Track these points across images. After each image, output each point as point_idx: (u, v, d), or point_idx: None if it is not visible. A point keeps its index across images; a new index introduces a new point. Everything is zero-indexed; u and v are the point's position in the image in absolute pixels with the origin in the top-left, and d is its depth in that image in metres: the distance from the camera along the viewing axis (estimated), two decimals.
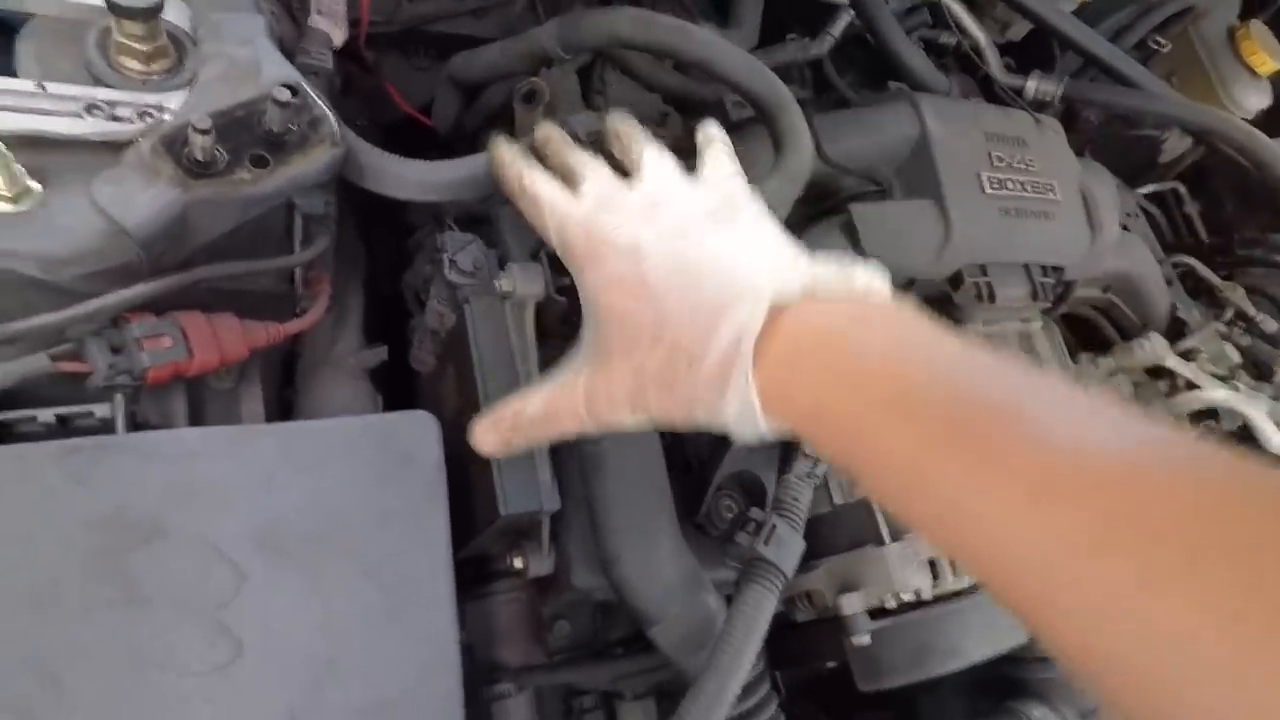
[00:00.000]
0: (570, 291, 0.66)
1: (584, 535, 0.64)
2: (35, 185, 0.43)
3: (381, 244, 0.89)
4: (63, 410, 0.43)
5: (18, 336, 0.41)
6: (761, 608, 0.57)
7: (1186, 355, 1.08)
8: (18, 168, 0.41)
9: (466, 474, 0.66)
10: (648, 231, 0.43)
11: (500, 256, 0.72)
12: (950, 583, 0.69)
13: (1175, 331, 1.15)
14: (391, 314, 0.84)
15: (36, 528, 0.39)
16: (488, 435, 0.50)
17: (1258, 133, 1.08)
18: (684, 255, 0.42)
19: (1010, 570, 0.32)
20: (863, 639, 0.68)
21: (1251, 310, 1.18)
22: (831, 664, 0.78)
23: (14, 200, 0.41)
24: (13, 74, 0.47)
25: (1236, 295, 1.19)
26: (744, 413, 0.40)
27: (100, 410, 0.44)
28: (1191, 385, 1.04)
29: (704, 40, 0.72)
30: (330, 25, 0.70)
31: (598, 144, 0.70)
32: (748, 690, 0.63)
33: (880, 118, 0.89)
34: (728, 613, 0.57)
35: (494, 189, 0.71)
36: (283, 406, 0.64)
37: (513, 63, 0.79)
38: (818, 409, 0.38)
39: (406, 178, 0.61)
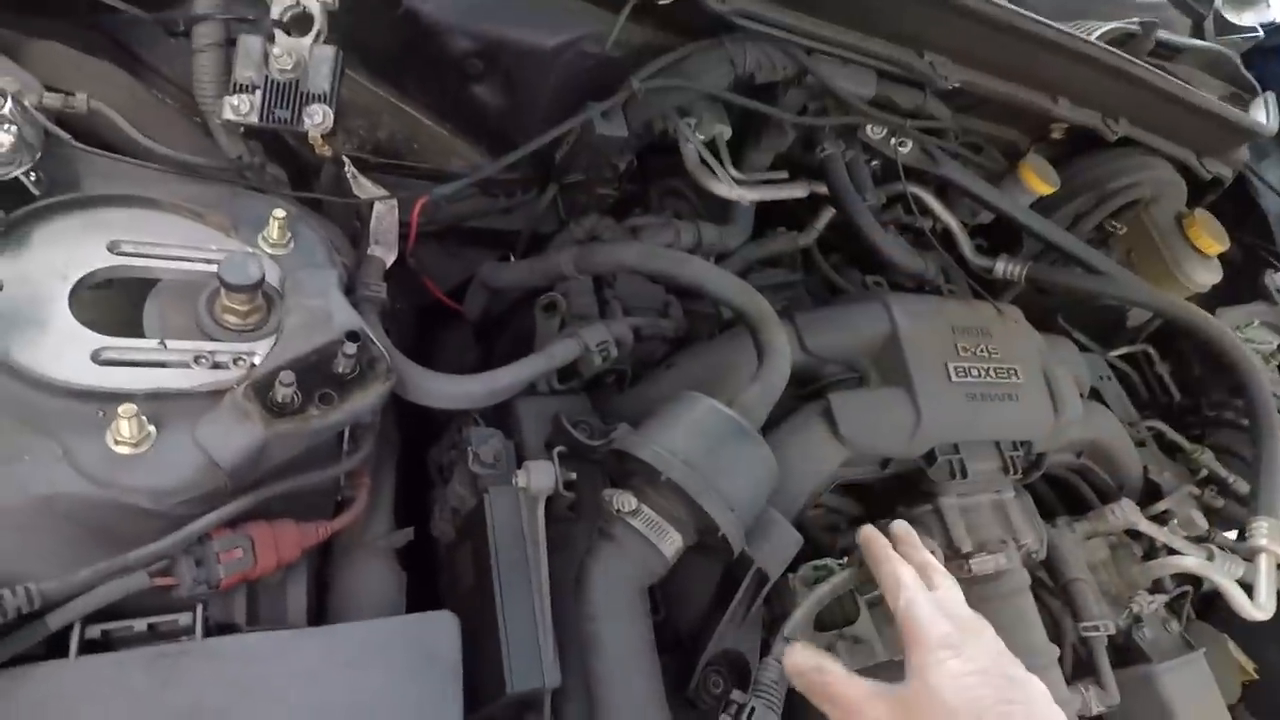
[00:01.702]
0: (575, 485, 0.76)
1: (582, 709, 0.70)
2: (153, 431, 0.54)
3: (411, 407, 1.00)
4: (153, 620, 0.53)
5: (137, 566, 0.51)
6: None
7: (1160, 518, 1.15)
8: (145, 421, 0.53)
9: (478, 644, 0.74)
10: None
11: (518, 445, 0.82)
12: None
13: (1151, 492, 1.22)
14: (413, 476, 0.94)
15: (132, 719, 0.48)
16: (795, 659, 0.67)
17: (1203, 314, 1.19)
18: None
19: None
20: None
21: (1223, 472, 1.25)
22: None
23: (136, 445, 0.52)
24: (140, 334, 0.60)
25: (1205, 458, 1.27)
26: None
27: (184, 619, 0.53)
28: (1169, 548, 1.10)
29: (698, 268, 0.85)
30: (384, 252, 0.84)
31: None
32: None
33: (855, 316, 1.01)
34: None
35: (513, 394, 0.82)
36: (320, 583, 0.73)
37: (536, 278, 0.93)
38: None
39: (442, 390, 0.72)
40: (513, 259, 1.08)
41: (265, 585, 0.62)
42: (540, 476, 0.73)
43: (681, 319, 1.05)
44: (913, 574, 0.68)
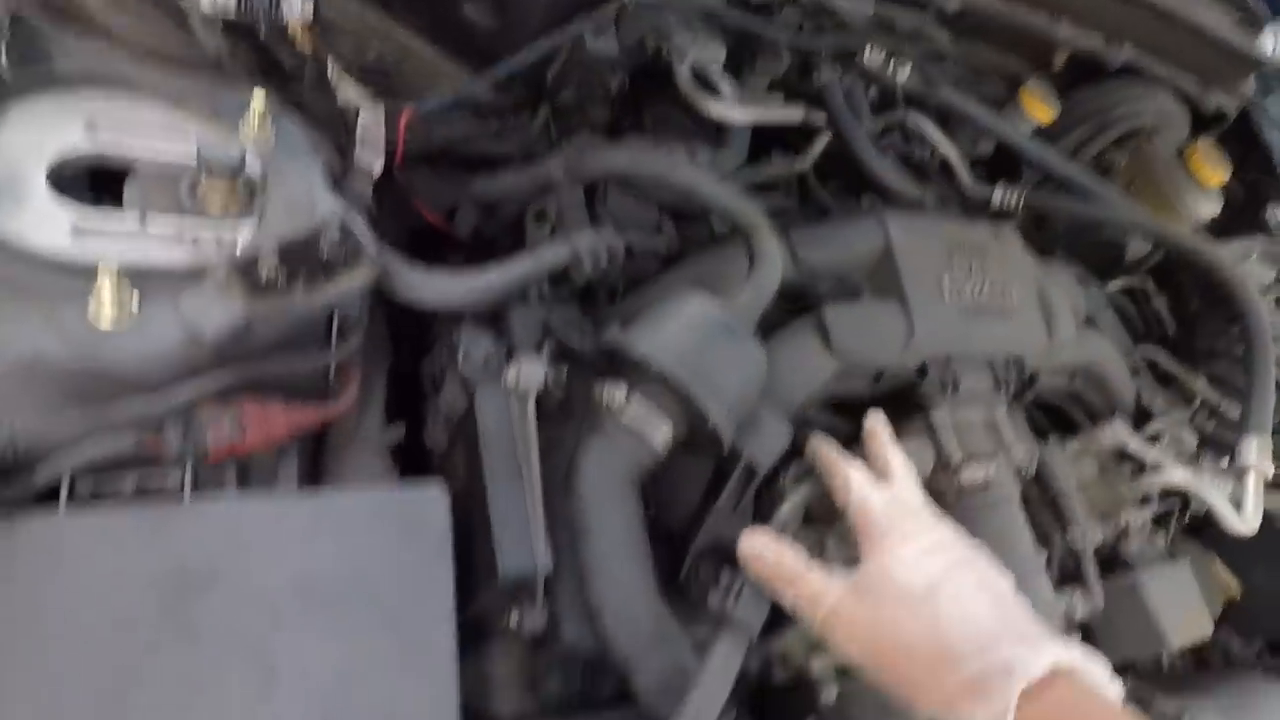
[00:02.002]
0: (565, 385, 0.77)
1: (573, 594, 0.71)
2: (135, 302, 0.54)
3: (406, 326, 1.01)
4: (141, 477, 0.54)
5: (123, 423, 0.52)
6: (728, 663, 0.64)
7: (1152, 440, 1.15)
8: (126, 292, 0.53)
9: (472, 540, 0.75)
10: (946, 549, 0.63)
11: (509, 350, 0.83)
12: None
13: (1142, 418, 1.23)
14: (409, 392, 0.95)
15: (117, 577, 0.49)
16: (753, 541, 0.67)
17: (1201, 240, 1.18)
18: (970, 590, 0.59)
19: None
20: (829, 696, 0.74)
21: (1216, 398, 1.26)
22: None
23: (119, 315, 0.53)
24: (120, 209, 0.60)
25: (1199, 384, 1.27)
26: None
27: (171, 479, 0.54)
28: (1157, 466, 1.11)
29: (689, 174, 0.85)
30: (371, 160, 0.83)
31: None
32: None
33: (849, 231, 1.00)
34: (699, 667, 0.64)
35: (502, 296, 0.82)
36: (313, 476, 0.74)
37: (525, 185, 0.93)
38: None
39: (430, 288, 0.73)
40: None
41: (257, 466, 0.63)
42: (529, 373, 0.74)
43: (674, 237, 1.04)
44: (862, 475, 0.69)
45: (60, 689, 0.45)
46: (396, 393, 0.91)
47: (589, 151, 0.88)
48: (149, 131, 0.63)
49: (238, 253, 0.58)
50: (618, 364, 0.75)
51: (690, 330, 0.73)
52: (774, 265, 0.81)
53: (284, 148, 0.67)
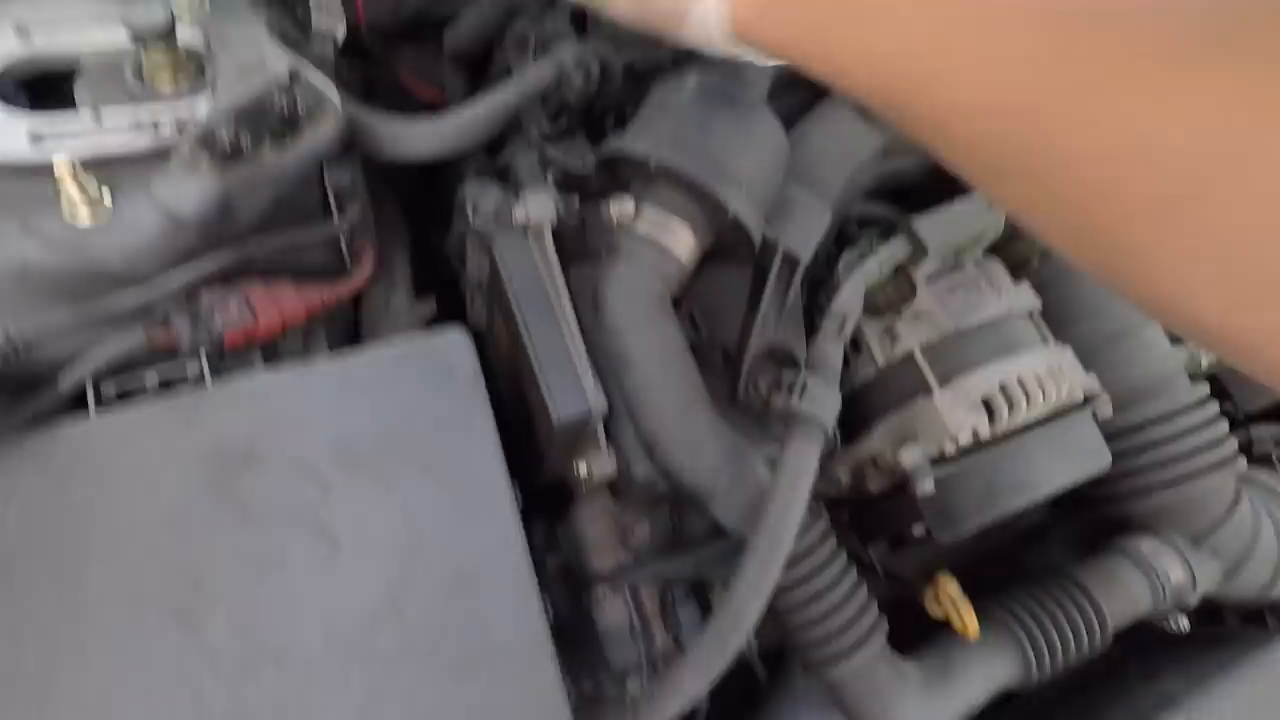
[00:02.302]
0: (580, 214, 0.71)
1: (628, 432, 0.68)
2: (107, 196, 0.51)
3: (437, 238, 0.97)
4: (163, 372, 0.52)
5: (118, 314, 0.50)
6: (804, 460, 0.59)
7: None
8: (90, 180, 0.50)
9: (526, 402, 0.72)
10: None
11: (518, 194, 0.77)
12: (1007, 420, 0.69)
13: None
14: (453, 289, 0.91)
15: (161, 466, 0.48)
16: None
17: None
18: None
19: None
20: (927, 486, 0.69)
21: None
22: (918, 528, 0.79)
23: (92, 209, 0.50)
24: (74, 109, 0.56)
25: None
26: (711, 22, 0.44)
27: (192, 369, 0.53)
28: None
29: None
30: (330, 21, 0.77)
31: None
32: (809, 550, 0.66)
33: None
34: (775, 470, 0.60)
35: (491, 132, 0.76)
36: None
37: (495, 15, 0.84)
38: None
39: (410, 135, 0.67)
40: None
41: (286, 353, 0.61)
42: (538, 206, 0.68)
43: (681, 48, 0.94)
44: None
45: (129, 589, 0.46)
46: (437, 292, 0.87)
47: None
48: (81, 24, 0.59)
49: (197, 127, 0.54)
50: (622, 175, 0.68)
51: (688, 112, 0.63)
52: None
53: (222, 11, 0.61)
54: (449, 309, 0.86)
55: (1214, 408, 0.83)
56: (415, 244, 0.88)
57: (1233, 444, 0.82)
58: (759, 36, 0.44)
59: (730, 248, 0.68)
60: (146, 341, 0.52)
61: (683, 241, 0.64)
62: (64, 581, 0.46)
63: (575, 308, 0.69)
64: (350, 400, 0.52)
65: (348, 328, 0.75)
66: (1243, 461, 0.82)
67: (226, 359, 0.56)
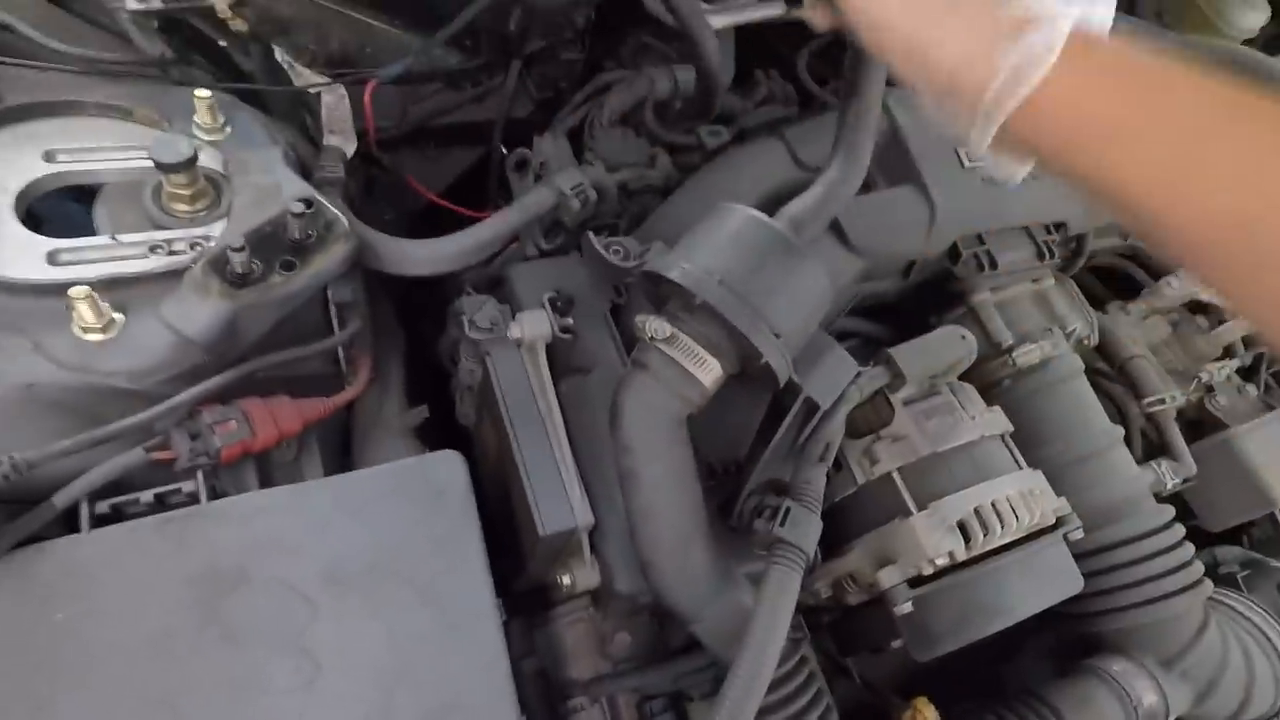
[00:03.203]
0: (573, 330, 0.74)
1: (623, 544, 0.69)
2: (119, 316, 0.53)
3: (430, 329, 0.99)
4: (159, 490, 0.53)
5: (120, 435, 0.51)
6: (785, 586, 0.61)
7: None
8: (104, 304, 0.52)
9: (512, 509, 0.74)
10: None
11: (514, 311, 0.80)
12: (983, 541, 0.71)
13: None
14: (439, 385, 0.93)
15: (149, 586, 0.49)
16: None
17: (1253, 52, 1.06)
18: None
19: None
20: (905, 608, 0.70)
21: None
22: (897, 642, 0.80)
23: (103, 330, 0.52)
24: (93, 233, 0.59)
25: None
26: (999, 107, 0.42)
27: (187, 486, 0.54)
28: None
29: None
30: (341, 140, 0.81)
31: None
32: (788, 676, 0.66)
33: None
34: (756, 595, 0.61)
35: (489, 252, 0.79)
36: (343, 471, 0.73)
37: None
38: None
39: (415, 256, 0.70)
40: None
41: (279, 464, 0.62)
42: (533, 325, 0.71)
43: (670, 168, 0.99)
44: None
45: (111, 707, 0.45)
46: (426, 384, 0.89)
47: None
48: (105, 149, 0.62)
49: (211, 250, 0.56)
50: (661, 290, 0.68)
51: (738, 250, 0.63)
52: (859, 165, 0.72)
53: (241, 139, 0.65)
54: (436, 398, 0.88)
55: (1180, 531, 0.85)
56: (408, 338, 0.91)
57: (1199, 567, 0.84)
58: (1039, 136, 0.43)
59: (751, 377, 0.70)
60: (146, 460, 0.53)
61: (710, 371, 0.64)
62: (36, 706, 0.45)
63: (571, 419, 0.71)
64: (343, 522, 0.53)
65: (339, 430, 0.76)
66: (1209, 584, 0.84)
67: (222, 474, 0.57)
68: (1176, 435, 0.94)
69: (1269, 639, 0.83)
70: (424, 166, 1.13)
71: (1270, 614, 0.85)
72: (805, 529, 0.63)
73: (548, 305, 0.73)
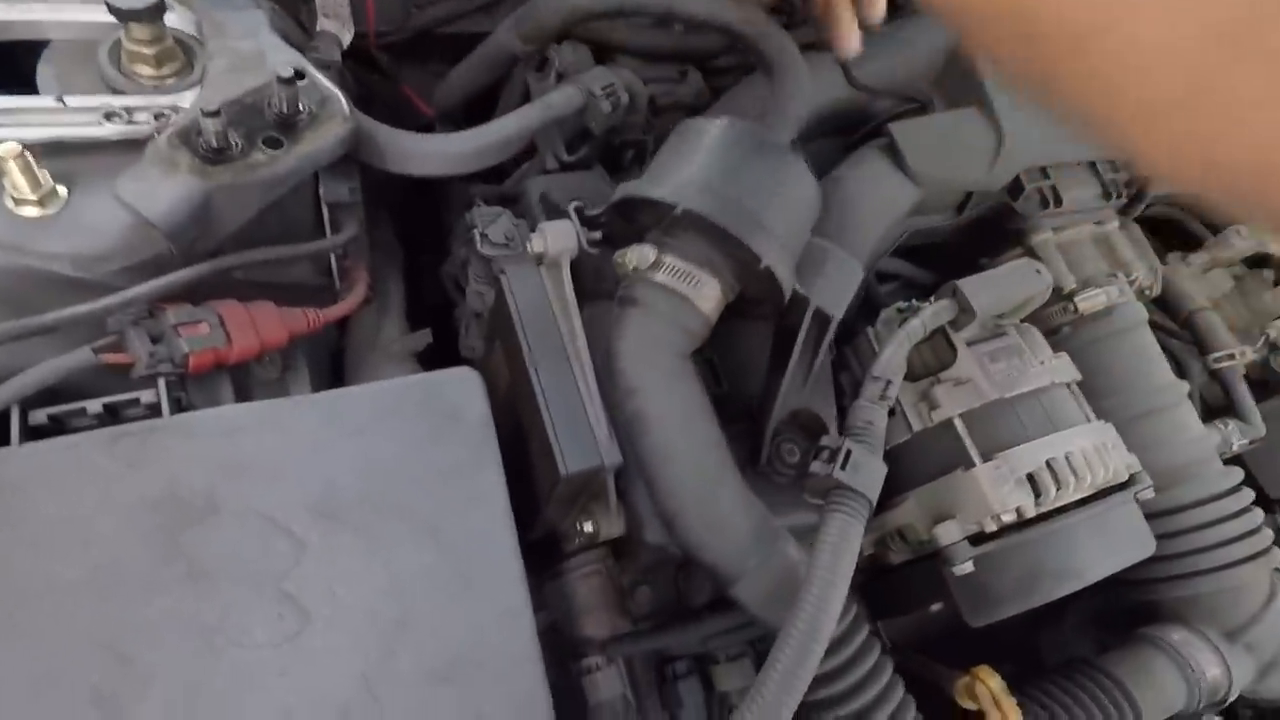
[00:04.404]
0: (602, 245, 0.65)
1: (645, 495, 0.61)
2: (61, 189, 0.44)
3: (427, 260, 0.90)
4: (110, 400, 0.44)
5: (55, 326, 0.42)
6: (848, 538, 0.53)
7: None
8: (41, 171, 0.42)
9: (526, 446, 0.65)
10: None
11: (531, 227, 0.71)
12: (1054, 497, 0.63)
13: None
14: (439, 323, 0.84)
15: (94, 513, 0.40)
16: None
17: None
18: None
19: None
20: (965, 568, 0.63)
21: None
22: (936, 606, 0.73)
23: (40, 203, 0.42)
24: (35, 93, 0.49)
25: None
26: None
27: (146, 396, 0.45)
28: None
29: None
30: (337, 26, 0.71)
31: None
32: (844, 639, 0.59)
33: (908, 33, 0.84)
34: (813, 548, 0.53)
35: (508, 153, 0.70)
36: None
37: (483, 74, 0.78)
38: None
39: (422, 151, 0.61)
40: None
41: (261, 381, 0.53)
42: (558, 237, 0.62)
43: (701, 85, 0.89)
44: None
45: (45, 652, 0.37)
46: (423, 321, 0.81)
47: (537, 4, 0.73)
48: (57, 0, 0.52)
49: (179, 120, 0.47)
50: (638, 221, 0.62)
51: (715, 157, 0.59)
52: (794, 63, 0.66)
53: None
54: (437, 336, 0.79)
55: (1249, 495, 0.79)
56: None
57: (1268, 534, 0.77)
58: None
59: (754, 302, 0.63)
60: (95, 362, 0.43)
61: (707, 293, 0.58)
62: None
63: (591, 349, 0.62)
64: (336, 444, 0.44)
65: (330, 352, 0.67)
66: (1278, 553, 0.77)
67: (190, 387, 0.47)
68: (1245, 393, 0.86)
69: None
70: (425, 80, 1.03)
71: None
72: (869, 473, 0.55)
73: (574, 215, 0.63)
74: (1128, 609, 0.82)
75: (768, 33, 0.69)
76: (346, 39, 0.72)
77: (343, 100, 0.53)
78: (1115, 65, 0.33)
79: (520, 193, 0.75)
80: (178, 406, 0.45)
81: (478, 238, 0.67)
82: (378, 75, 0.95)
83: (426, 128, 0.98)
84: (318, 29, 0.70)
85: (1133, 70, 0.33)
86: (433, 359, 0.74)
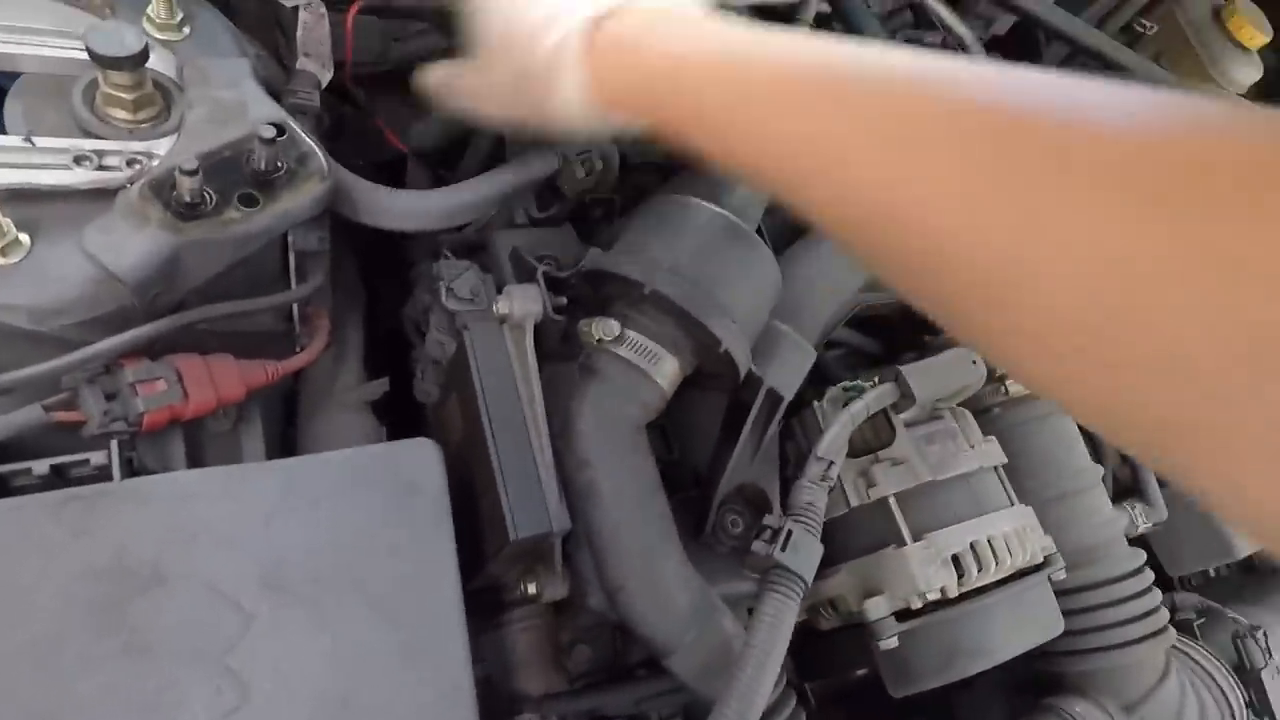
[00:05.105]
0: (567, 310, 0.66)
1: (590, 561, 0.62)
2: (24, 237, 0.43)
3: (384, 284, 0.89)
4: (58, 460, 0.43)
5: (11, 388, 0.41)
6: (783, 618, 0.55)
7: None
8: (4, 220, 0.41)
9: (474, 501, 0.65)
10: None
11: (497, 282, 0.72)
12: (975, 579, 0.67)
13: None
14: (395, 351, 0.84)
15: (36, 580, 0.39)
16: (427, 80, 0.60)
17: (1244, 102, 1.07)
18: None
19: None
20: (890, 642, 0.66)
21: None
22: (861, 671, 0.76)
23: (2, 253, 0.41)
24: (1, 131, 0.48)
25: None
26: (573, 98, 0.46)
27: (96, 458, 0.44)
28: None
29: None
30: (317, 66, 0.71)
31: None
32: (773, 709, 0.61)
33: None
34: (749, 625, 0.56)
35: (482, 215, 0.71)
36: (285, 445, 0.64)
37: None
38: (673, 79, 0.41)
39: (397, 208, 0.61)
40: None
41: (212, 436, 0.53)
42: (524, 301, 0.63)
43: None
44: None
45: None
46: (380, 351, 0.80)
47: None
48: (31, 31, 0.51)
49: (153, 170, 0.46)
50: (606, 291, 0.64)
51: (683, 239, 0.62)
52: None
53: (202, 44, 0.55)
54: (390, 365, 0.79)
55: (1150, 577, 0.85)
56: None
57: (1164, 615, 0.83)
58: (621, 100, 0.45)
59: (710, 376, 0.65)
60: (46, 421, 0.42)
61: (666, 370, 0.61)
62: None
63: (550, 413, 0.64)
64: (289, 515, 0.44)
65: (283, 396, 0.67)
66: (1172, 633, 0.83)
67: (140, 444, 0.47)
68: (1151, 480, 0.93)
69: (1224, 693, 0.83)
70: (400, 112, 1.03)
71: (1226, 667, 0.85)
72: (807, 555, 0.58)
73: (542, 280, 0.65)
74: (1034, 678, 0.87)
75: None
76: (325, 78, 0.72)
77: (321, 158, 0.53)
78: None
79: (488, 243, 0.76)
80: (129, 467, 0.44)
81: (443, 290, 0.68)
82: (350, 106, 0.95)
83: (398, 160, 0.98)
84: (297, 67, 0.70)
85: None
86: (389, 394, 0.74)
